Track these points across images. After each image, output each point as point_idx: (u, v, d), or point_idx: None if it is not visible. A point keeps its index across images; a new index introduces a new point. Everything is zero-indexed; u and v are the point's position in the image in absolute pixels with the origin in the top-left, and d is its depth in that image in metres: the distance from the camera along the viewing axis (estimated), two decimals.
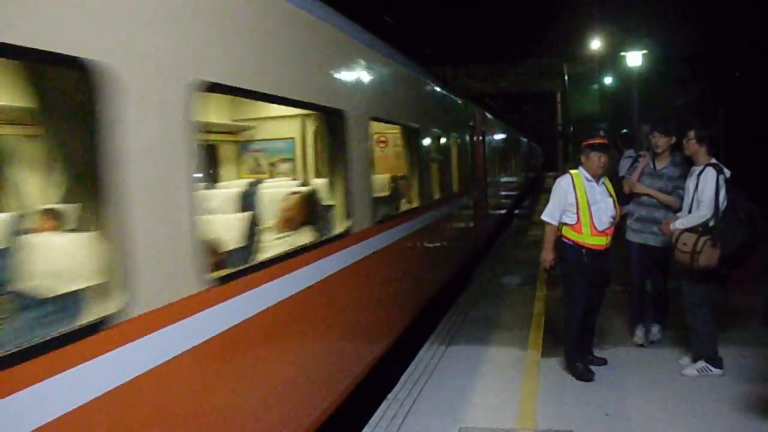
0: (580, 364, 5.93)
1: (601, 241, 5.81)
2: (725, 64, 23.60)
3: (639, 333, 6.67)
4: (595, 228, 5.76)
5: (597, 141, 5.94)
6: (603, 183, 5.94)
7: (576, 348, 6.01)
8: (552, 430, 4.87)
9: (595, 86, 40.16)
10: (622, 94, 32.46)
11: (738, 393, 5.33)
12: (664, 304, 6.69)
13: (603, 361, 6.19)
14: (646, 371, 5.92)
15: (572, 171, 5.97)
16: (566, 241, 5.87)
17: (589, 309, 5.99)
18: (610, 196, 5.93)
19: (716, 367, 5.76)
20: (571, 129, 44.28)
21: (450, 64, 41.06)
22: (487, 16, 52.45)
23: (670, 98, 28.93)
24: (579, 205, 5.77)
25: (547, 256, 5.99)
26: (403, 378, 6.09)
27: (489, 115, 16.81)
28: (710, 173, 5.55)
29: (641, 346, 6.61)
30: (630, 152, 8.04)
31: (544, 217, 5.99)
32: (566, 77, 44.94)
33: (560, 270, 6.02)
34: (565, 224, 5.87)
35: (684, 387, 5.58)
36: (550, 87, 50.26)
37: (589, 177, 5.86)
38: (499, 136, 19.34)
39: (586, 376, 5.85)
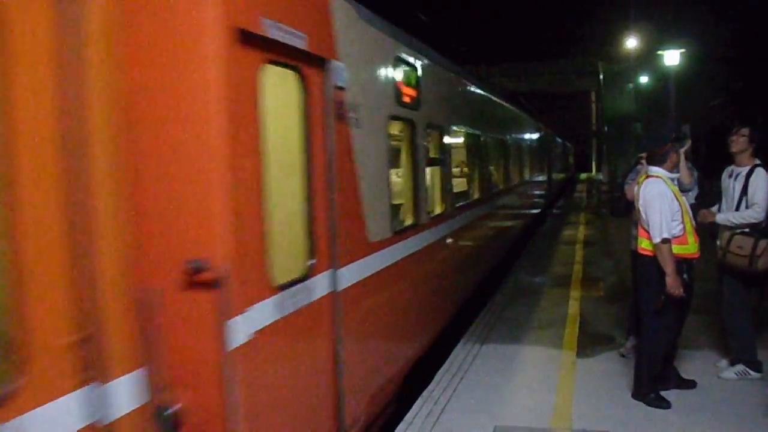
0: (653, 394, 5.31)
1: (698, 246, 5.20)
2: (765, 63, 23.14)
3: (628, 344, 6.38)
4: (696, 232, 5.17)
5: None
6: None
7: (654, 377, 5.36)
8: (588, 431, 4.88)
9: (630, 85, 39.67)
10: (657, 93, 32.00)
11: None
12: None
13: (692, 384, 5.62)
14: (684, 374, 5.88)
15: (654, 175, 5.20)
16: None
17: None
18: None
19: (755, 371, 5.71)
20: (605, 128, 43.86)
21: (484, 62, 40.91)
22: (522, 15, 52.11)
23: (708, 97, 28.45)
24: (683, 210, 5.11)
25: (678, 281, 5.00)
26: (438, 375, 6.14)
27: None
28: (762, 174, 5.46)
29: (623, 356, 6.38)
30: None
31: (664, 234, 4.96)
32: (601, 76, 44.53)
33: (651, 294, 5.17)
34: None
35: (722, 390, 5.54)
36: (584, 86, 49.84)
37: (672, 176, 5.26)
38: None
39: (657, 404, 5.26)
